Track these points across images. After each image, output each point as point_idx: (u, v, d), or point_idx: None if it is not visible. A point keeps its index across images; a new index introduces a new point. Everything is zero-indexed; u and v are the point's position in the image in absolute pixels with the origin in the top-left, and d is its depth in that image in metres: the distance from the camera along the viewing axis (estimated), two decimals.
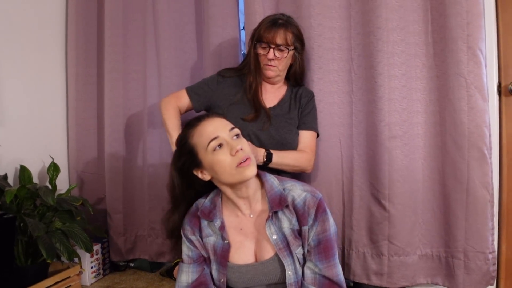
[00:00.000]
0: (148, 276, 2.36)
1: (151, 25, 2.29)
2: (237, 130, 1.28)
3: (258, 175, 1.32)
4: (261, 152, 1.62)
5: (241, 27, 2.18)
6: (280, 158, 1.66)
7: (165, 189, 2.28)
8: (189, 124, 1.32)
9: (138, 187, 2.37)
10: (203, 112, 1.85)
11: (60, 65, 2.52)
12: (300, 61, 1.79)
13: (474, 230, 1.71)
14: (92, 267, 2.29)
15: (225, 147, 1.23)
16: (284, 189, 1.30)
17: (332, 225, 1.29)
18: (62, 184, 2.43)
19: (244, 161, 1.22)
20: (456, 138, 1.71)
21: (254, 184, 1.31)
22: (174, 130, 1.72)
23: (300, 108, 1.81)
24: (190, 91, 1.82)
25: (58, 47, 2.51)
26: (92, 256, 2.28)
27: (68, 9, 2.51)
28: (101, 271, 2.36)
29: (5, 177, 2.10)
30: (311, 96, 1.85)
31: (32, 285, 1.87)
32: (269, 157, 1.63)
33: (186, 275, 1.36)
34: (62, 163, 2.43)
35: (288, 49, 1.70)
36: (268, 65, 1.72)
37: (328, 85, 1.90)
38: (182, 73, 2.25)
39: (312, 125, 1.81)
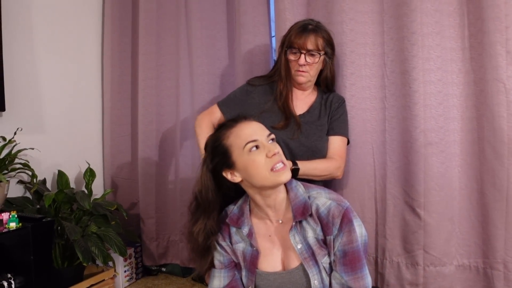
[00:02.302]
0: (179, 281, 2.38)
1: (184, 33, 2.33)
2: (273, 135, 1.28)
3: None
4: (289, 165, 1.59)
5: (272, 35, 2.19)
6: (308, 170, 1.62)
7: None
8: (223, 126, 1.31)
9: (170, 192, 2.40)
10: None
11: (96, 73, 2.60)
12: (330, 66, 1.77)
13: None
14: (125, 271, 2.33)
15: (261, 149, 1.23)
16: (309, 197, 1.28)
17: (360, 236, 1.26)
18: (97, 188, 2.49)
19: (280, 166, 1.22)
20: (495, 145, 1.66)
21: (283, 191, 1.30)
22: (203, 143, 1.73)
23: (330, 114, 1.78)
24: (221, 105, 1.83)
25: (94, 56, 2.59)
26: (125, 260, 2.32)
27: (104, 19, 2.59)
28: (134, 275, 2.40)
29: (44, 181, 2.18)
30: (341, 101, 1.82)
31: (68, 287, 1.93)
32: (295, 172, 1.58)
33: (217, 280, 1.37)
34: (98, 169, 2.49)
35: (320, 54, 1.69)
36: (299, 71, 1.71)
37: (361, 90, 1.88)
38: (214, 80, 2.28)
39: (341, 131, 1.77)
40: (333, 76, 1.82)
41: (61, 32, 2.35)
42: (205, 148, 1.35)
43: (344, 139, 1.78)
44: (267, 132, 1.27)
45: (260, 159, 1.22)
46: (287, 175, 1.22)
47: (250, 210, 1.35)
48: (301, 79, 1.73)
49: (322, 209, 1.25)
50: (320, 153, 1.72)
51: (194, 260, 1.42)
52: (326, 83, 1.81)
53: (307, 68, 1.70)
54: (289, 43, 1.70)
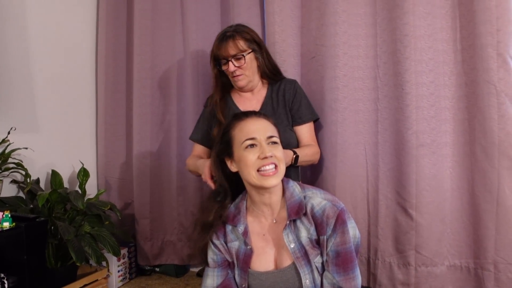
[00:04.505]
0: (173, 281, 2.38)
1: (179, 34, 2.34)
2: (276, 139, 1.30)
3: (281, 181, 1.33)
4: (290, 155, 1.62)
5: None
6: (302, 156, 1.66)
7: (195, 194, 2.31)
8: (236, 116, 1.37)
9: (166, 193, 2.40)
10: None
11: (90, 73, 2.60)
12: (263, 59, 1.78)
13: (505, 241, 1.66)
14: (119, 271, 2.33)
15: (257, 148, 1.27)
16: (304, 197, 1.30)
17: (353, 237, 1.27)
18: (91, 188, 2.49)
19: (268, 168, 1.24)
20: (485, 147, 1.68)
21: (279, 191, 1.32)
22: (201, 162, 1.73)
23: (287, 105, 1.78)
24: (194, 137, 1.90)
25: (89, 55, 2.58)
26: (119, 260, 2.32)
27: (98, 18, 2.59)
28: (127, 275, 2.40)
29: (37, 181, 2.17)
30: (294, 88, 1.80)
31: (61, 287, 1.92)
32: (296, 160, 1.64)
33: (211, 279, 1.38)
34: (91, 169, 2.49)
35: (244, 55, 1.71)
36: (235, 76, 1.75)
37: (353, 92, 1.89)
38: (209, 81, 2.28)
39: (308, 118, 1.78)
40: (273, 66, 1.82)
41: (55, 31, 2.34)
42: (220, 132, 1.41)
43: (312, 124, 1.81)
44: (269, 133, 1.30)
45: (251, 158, 1.26)
46: (272, 181, 1.25)
47: (246, 208, 1.37)
48: (240, 83, 1.76)
49: (317, 209, 1.26)
50: (285, 144, 1.67)
51: (194, 234, 1.43)
52: (267, 75, 1.81)
53: (240, 71, 1.73)
54: (215, 56, 1.75)
